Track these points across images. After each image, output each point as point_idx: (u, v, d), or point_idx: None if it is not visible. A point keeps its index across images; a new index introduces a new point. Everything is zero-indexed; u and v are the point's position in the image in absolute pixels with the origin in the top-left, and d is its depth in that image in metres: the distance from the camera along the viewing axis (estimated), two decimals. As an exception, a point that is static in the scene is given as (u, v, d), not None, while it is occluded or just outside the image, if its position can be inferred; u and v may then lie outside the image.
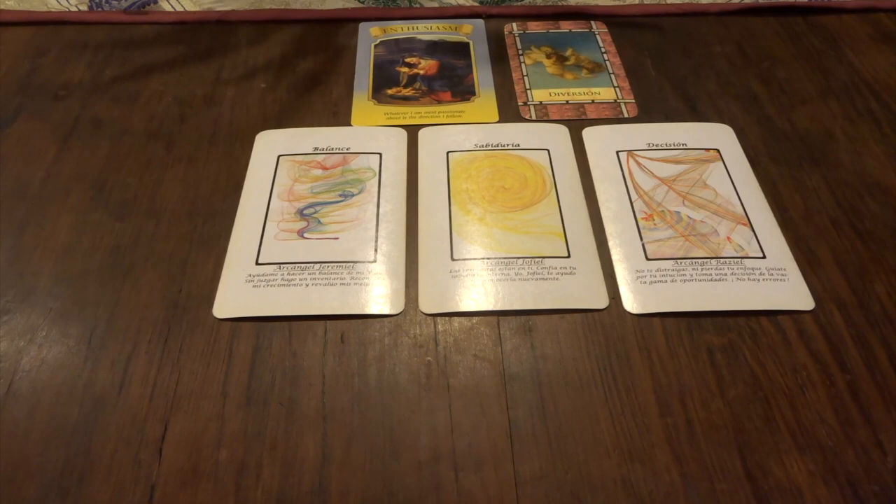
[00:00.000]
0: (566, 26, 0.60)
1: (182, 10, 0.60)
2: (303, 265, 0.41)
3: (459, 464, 0.33)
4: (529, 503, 0.32)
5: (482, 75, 0.55)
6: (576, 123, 0.51)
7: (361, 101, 0.53)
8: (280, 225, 0.44)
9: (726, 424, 0.35)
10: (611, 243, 0.43)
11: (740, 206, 0.45)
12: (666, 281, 0.40)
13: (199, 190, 0.46)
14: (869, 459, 0.34)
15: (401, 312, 0.39)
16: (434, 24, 0.60)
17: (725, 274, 0.41)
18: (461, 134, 0.50)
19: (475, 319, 0.39)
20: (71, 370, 0.37)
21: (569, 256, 0.42)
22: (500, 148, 0.49)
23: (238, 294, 0.40)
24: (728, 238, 0.43)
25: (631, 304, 0.40)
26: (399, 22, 0.60)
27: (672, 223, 0.44)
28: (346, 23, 0.60)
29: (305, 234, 0.43)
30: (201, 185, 0.46)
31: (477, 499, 0.32)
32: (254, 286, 0.40)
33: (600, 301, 0.40)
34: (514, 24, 0.60)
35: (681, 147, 0.49)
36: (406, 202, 0.45)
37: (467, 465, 0.33)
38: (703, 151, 0.48)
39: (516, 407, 0.36)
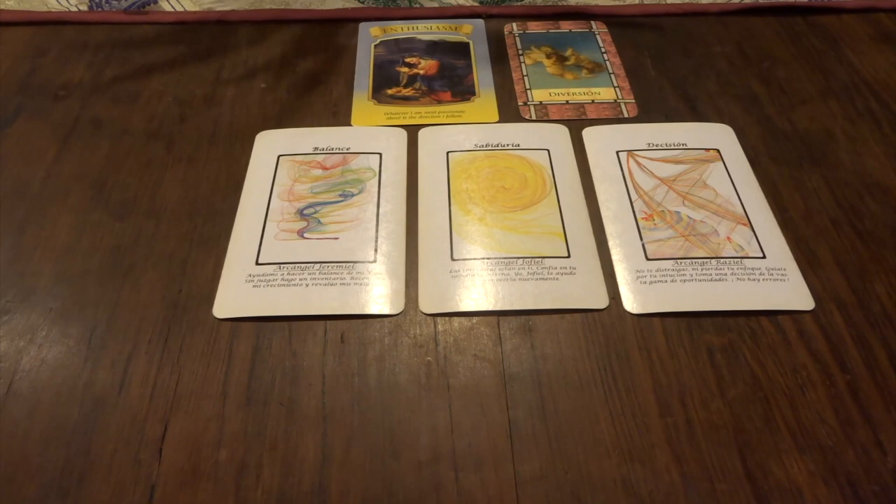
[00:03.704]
0: (566, 26, 0.60)
1: (182, 10, 0.60)
2: (303, 265, 0.41)
3: (459, 464, 0.33)
4: (529, 503, 0.32)
5: (482, 75, 0.55)
6: (576, 123, 0.51)
7: (361, 101, 0.53)
8: (280, 225, 0.44)
9: (726, 424, 0.35)
10: (611, 243, 0.43)
11: (740, 206, 0.45)
12: (666, 281, 0.40)
13: (199, 190, 0.46)
14: (869, 459, 0.34)
15: (401, 312, 0.39)
16: (434, 24, 0.60)
17: (725, 274, 0.41)
18: (461, 134, 0.50)
19: (475, 319, 0.39)
20: (71, 370, 0.37)
21: (569, 256, 0.42)
22: (500, 148, 0.49)
23: (238, 294, 0.40)
24: (728, 238, 0.43)
25: (631, 304, 0.40)
26: (399, 22, 0.60)
27: (672, 223, 0.44)
28: (346, 23, 0.60)
29: (305, 234, 0.43)
30: (201, 185, 0.46)
31: (477, 499, 0.32)
32: (254, 286, 0.40)
33: (600, 301, 0.40)
34: (514, 24, 0.60)
35: (681, 147, 0.49)
36: (406, 202, 0.45)
37: (467, 465, 0.33)
38: (703, 151, 0.48)
39: (516, 407, 0.36)
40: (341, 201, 0.45)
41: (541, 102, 0.53)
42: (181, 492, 0.33)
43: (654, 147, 0.49)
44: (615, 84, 0.54)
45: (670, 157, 0.48)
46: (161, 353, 0.38)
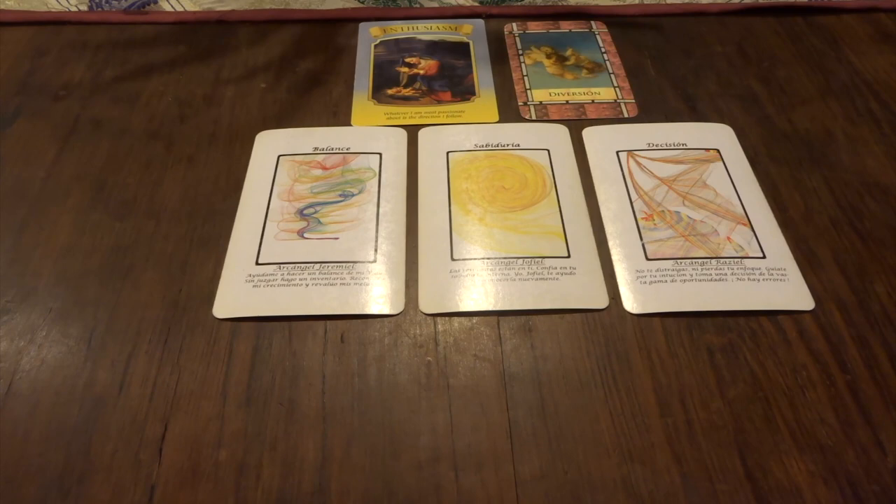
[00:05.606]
0: (566, 26, 0.60)
1: (182, 10, 0.60)
2: (303, 265, 0.41)
3: (459, 464, 0.33)
4: (529, 503, 0.32)
5: (482, 75, 0.55)
6: (576, 123, 0.51)
7: (361, 101, 0.53)
8: (280, 225, 0.44)
9: (726, 424, 0.35)
10: (611, 243, 0.43)
11: (740, 206, 0.45)
12: (666, 281, 0.40)
13: (199, 190, 0.46)
14: (869, 459, 0.34)
15: (401, 312, 0.39)
16: (434, 24, 0.60)
17: (725, 274, 0.41)
18: (461, 134, 0.50)
19: (475, 319, 0.39)
20: (71, 370, 0.37)
21: (569, 256, 0.42)
22: (500, 148, 0.49)
23: (238, 294, 0.40)
24: (728, 238, 0.43)
25: (631, 304, 0.40)
26: (399, 22, 0.60)
27: (672, 223, 0.44)
28: (346, 23, 0.60)
29: (305, 234, 0.43)
30: (201, 185, 0.46)
31: (477, 499, 0.32)
32: (254, 286, 0.40)
33: (600, 301, 0.40)
34: (514, 24, 0.60)
35: (681, 147, 0.49)
36: (406, 202, 0.45)
37: (467, 465, 0.33)
38: (703, 151, 0.48)
39: (516, 407, 0.36)
40: (341, 201, 0.45)
41: (541, 102, 0.53)
42: (181, 492, 0.33)
43: (654, 147, 0.49)
44: (615, 84, 0.54)
45: (670, 157, 0.48)
46: (161, 353, 0.38)
